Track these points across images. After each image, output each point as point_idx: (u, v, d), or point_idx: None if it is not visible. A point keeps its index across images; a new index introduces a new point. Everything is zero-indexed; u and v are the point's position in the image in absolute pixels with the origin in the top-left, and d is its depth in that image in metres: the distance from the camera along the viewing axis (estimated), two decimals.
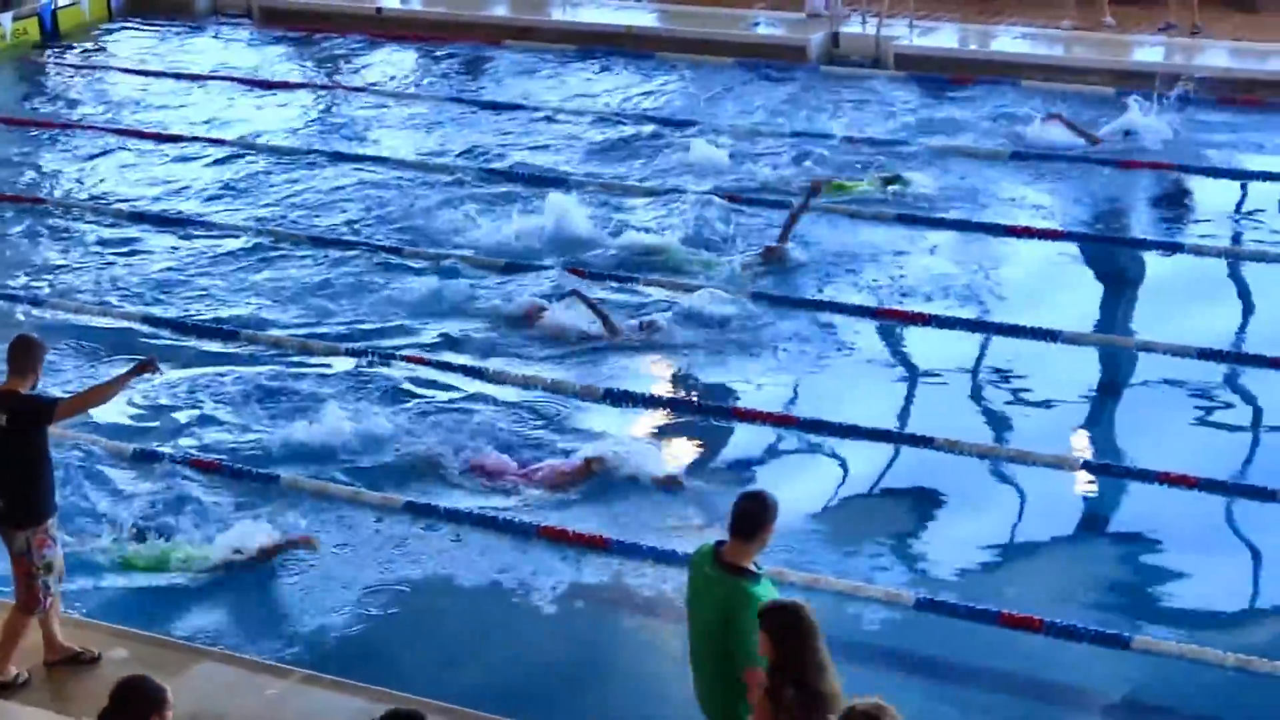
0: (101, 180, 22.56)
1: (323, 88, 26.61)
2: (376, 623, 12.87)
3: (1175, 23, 26.34)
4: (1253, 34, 26.24)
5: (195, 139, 24.02)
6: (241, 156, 23.38)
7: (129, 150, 23.78)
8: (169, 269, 19.54)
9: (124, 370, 11.95)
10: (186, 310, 18.33)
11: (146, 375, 11.88)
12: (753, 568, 9.06)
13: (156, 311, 18.28)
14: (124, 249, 20.22)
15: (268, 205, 21.48)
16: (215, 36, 29.79)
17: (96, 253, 20.09)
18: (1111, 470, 14.82)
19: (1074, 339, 17.17)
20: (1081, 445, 15.44)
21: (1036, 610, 12.51)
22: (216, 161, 23.21)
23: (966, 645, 12.49)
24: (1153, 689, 12.06)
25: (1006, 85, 25.06)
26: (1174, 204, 21.18)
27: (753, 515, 9.07)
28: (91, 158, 23.47)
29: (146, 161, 23.35)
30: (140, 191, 22.10)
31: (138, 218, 21.10)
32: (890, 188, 20.87)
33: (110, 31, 30.09)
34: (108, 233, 20.73)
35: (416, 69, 27.64)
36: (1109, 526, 14.33)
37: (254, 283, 19.05)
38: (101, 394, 11.80)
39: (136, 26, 30.40)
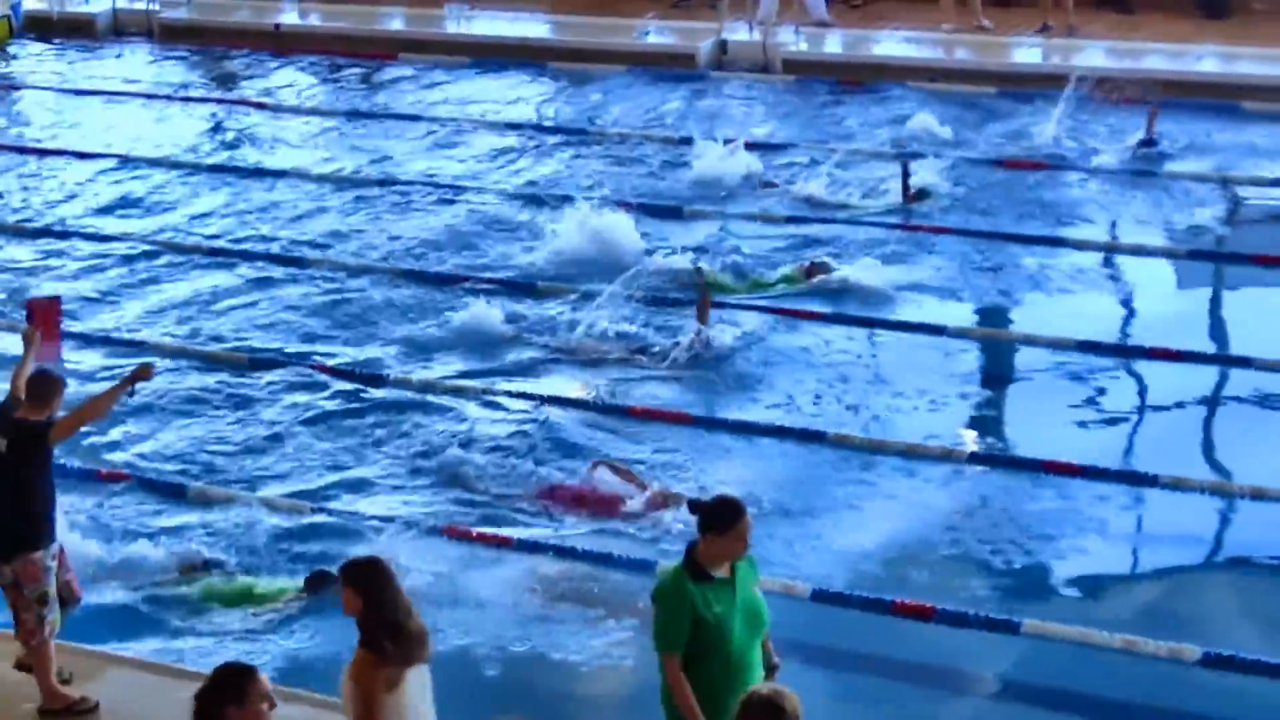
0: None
1: (222, 102, 26.61)
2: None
3: (1051, 24, 26.83)
4: (1128, 33, 26.80)
5: (96, 155, 23.91)
6: (140, 169, 23.34)
7: (30, 166, 23.69)
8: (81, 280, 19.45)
9: (119, 381, 11.44)
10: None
11: (142, 382, 11.34)
12: (714, 569, 8.89)
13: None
14: (29, 263, 20.12)
15: (164, 217, 21.48)
16: (117, 56, 29.67)
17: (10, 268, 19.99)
18: (999, 460, 15.03)
19: (960, 333, 17.50)
20: (970, 437, 15.66)
21: (931, 598, 12.70)
22: (116, 176, 23.11)
23: (861, 635, 12.68)
24: (1044, 671, 12.24)
25: (894, 88, 25.48)
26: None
27: (702, 516, 8.96)
28: None
29: (44, 177, 23.27)
30: (38, 206, 22.05)
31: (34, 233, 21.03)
32: (919, 201, 20.81)
33: (10, 49, 30.01)
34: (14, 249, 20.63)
35: (316, 83, 27.66)
36: (1002, 515, 14.41)
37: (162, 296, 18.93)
38: (97, 408, 11.34)
39: (38, 44, 30.34)
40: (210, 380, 16.75)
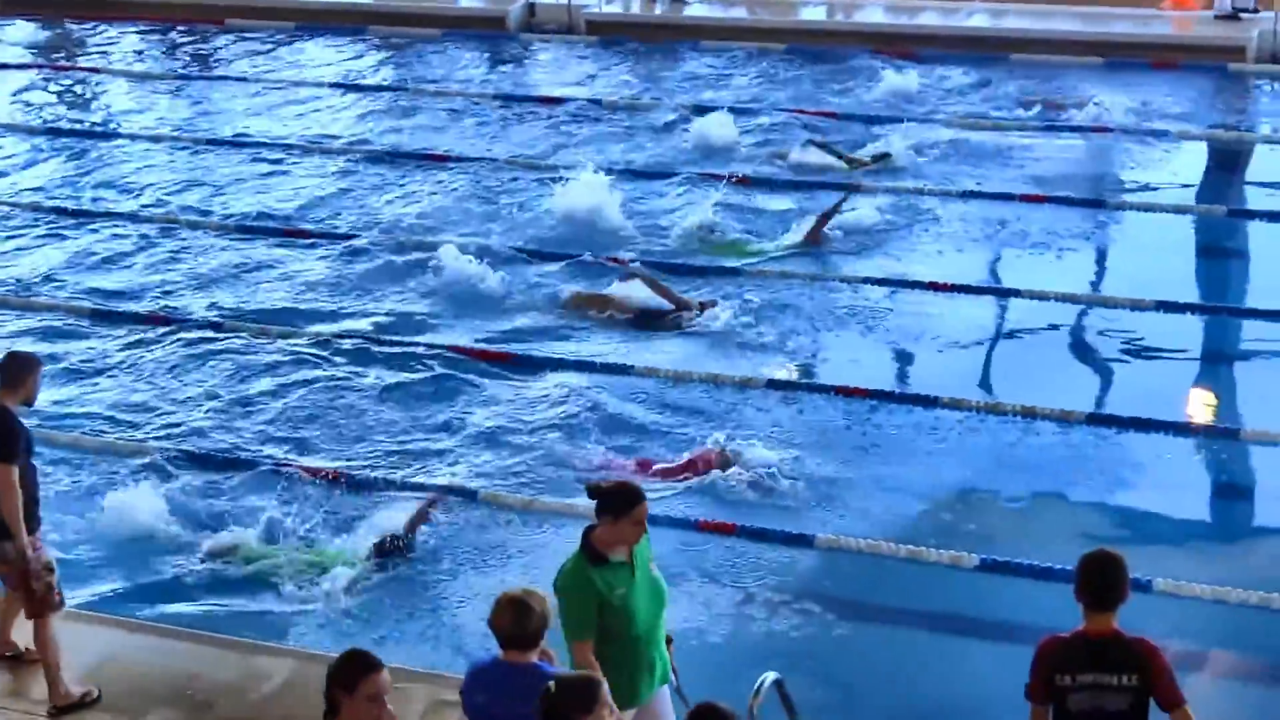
0: None
1: (56, 69, 27.40)
2: None
3: None
4: None
5: None
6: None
7: None
8: None
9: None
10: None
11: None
12: (612, 552, 8.92)
13: None
14: None
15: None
16: None
17: None
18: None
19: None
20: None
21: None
22: None
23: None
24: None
25: (689, 47, 26.74)
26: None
27: (598, 500, 8.97)
28: None
29: None
30: None
31: None
32: (878, 164, 20.97)
33: None
34: None
35: (146, 47, 28.41)
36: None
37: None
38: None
39: None
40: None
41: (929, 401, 15.29)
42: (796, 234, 18.96)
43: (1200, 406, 15.78)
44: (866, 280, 17.90)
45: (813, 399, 15.56)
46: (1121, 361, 16.49)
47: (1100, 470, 14.20)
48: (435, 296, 18.02)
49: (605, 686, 7.42)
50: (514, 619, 8.05)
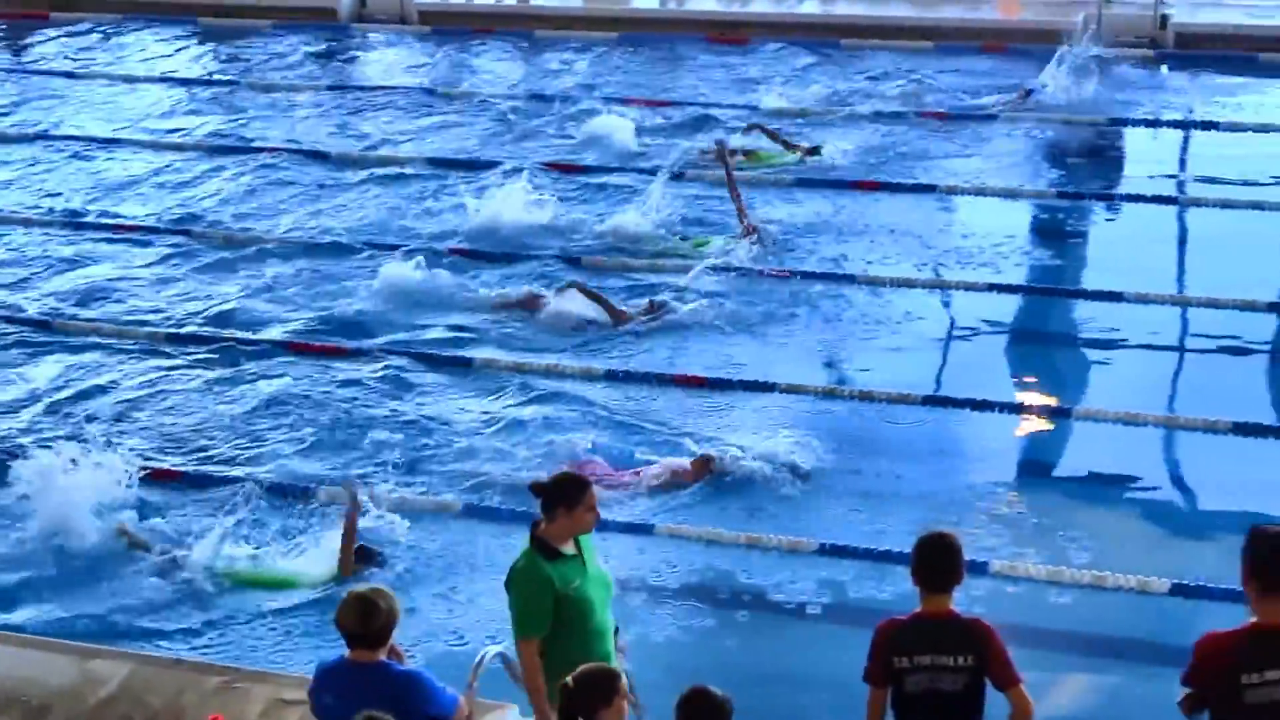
0: None
1: None
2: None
3: None
4: None
5: None
6: None
7: None
8: None
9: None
10: None
11: None
12: (562, 545, 8.89)
13: None
14: None
15: None
16: None
17: None
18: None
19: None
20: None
21: None
22: None
23: None
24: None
25: (521, 36, 26.80)
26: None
27: (545, 495, 8.93)
28: None
29: None
30: None
31: None
32: (811, 158, 20.74)
33: None
34: None
35: None
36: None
37: None
38: None
39: None
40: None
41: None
42: (730, 235, 18.50)
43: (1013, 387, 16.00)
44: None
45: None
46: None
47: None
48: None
49: (624, 678, 7.46)
50: (358, 617, 7.96)
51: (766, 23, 26.58)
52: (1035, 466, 14.47)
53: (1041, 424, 15.08)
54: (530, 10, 27.86)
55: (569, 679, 7.32)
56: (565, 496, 8.87)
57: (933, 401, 15.13)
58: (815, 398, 15.29)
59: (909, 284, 17.57)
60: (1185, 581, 12.01)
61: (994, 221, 19.23)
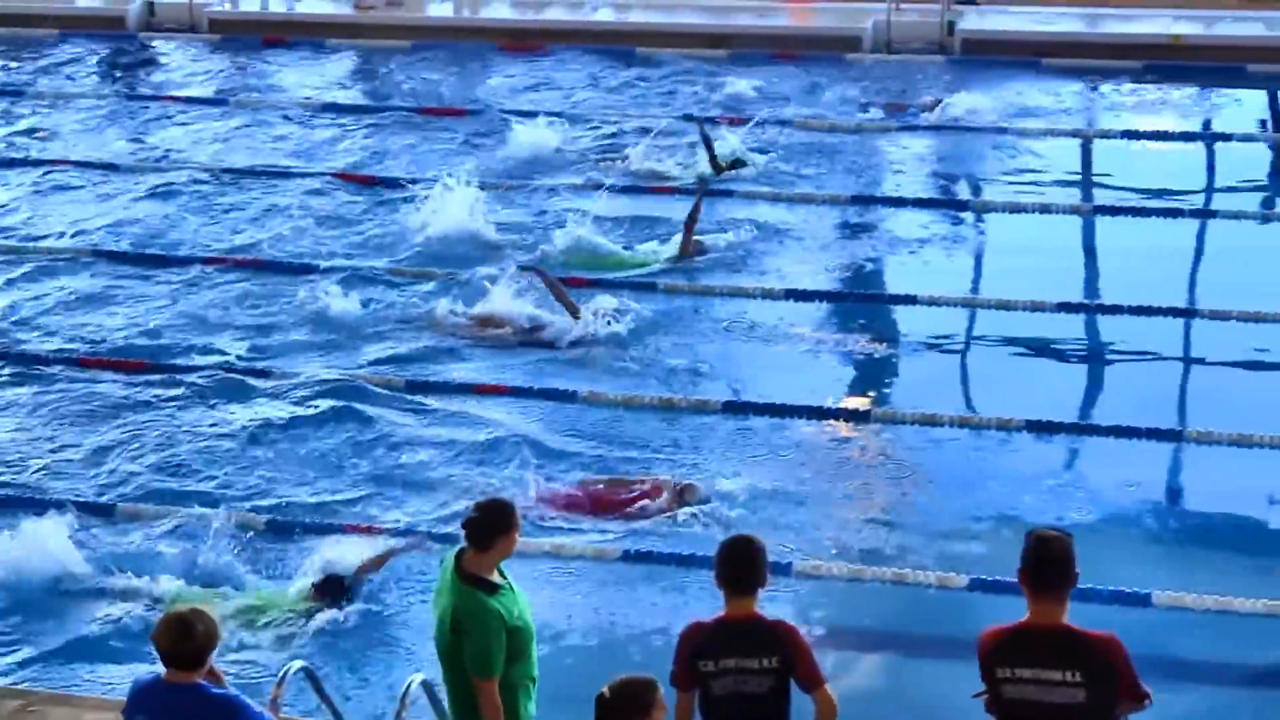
0: None
1: None
2: None
3: None
4: None
5: None
6: None
7: None
8: None
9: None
10: None
11: None
12: (494, 578, 8.66)
13: None
14: None
15: None
16: None
17: None
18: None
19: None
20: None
21: None
22: None
23: None
24: None
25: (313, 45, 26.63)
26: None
27: (482, 525, 8.64)
28: None
29: None
30: None
31: None
32: (734, 171, 20.51)
33: None
34: None
35: None
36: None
37: None
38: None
39: None
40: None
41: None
42: (670, 248, 18.31)
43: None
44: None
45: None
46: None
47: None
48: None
49: (660, 690, 7.49)
50: (173, 638, 7.80)
51: (561, 30, 26.65)
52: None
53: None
54: (324, 19, 27.62)
55: (605, 690, 7.41)
56: (504, 522, 8.62)
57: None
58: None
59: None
60: (984, 577, 12.15)
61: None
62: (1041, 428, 14.69)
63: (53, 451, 14.50)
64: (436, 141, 22.21)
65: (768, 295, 17.51)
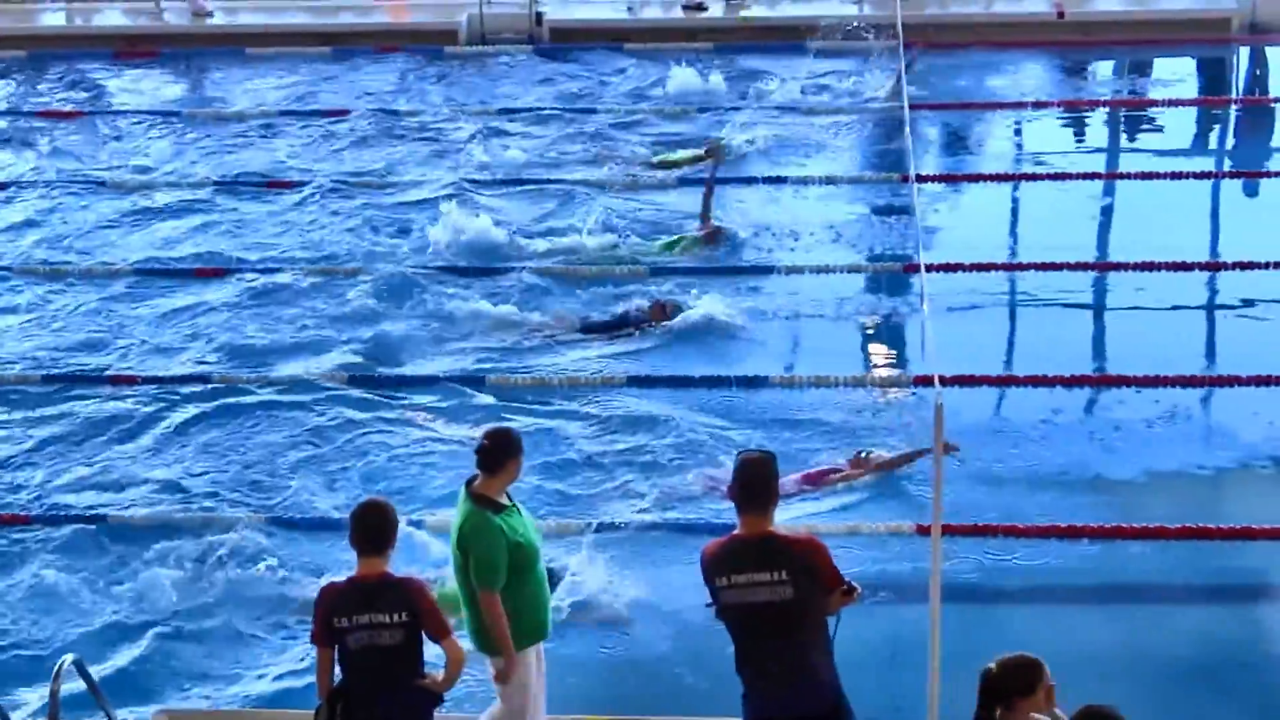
0: None
1: None
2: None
3: None
4: None
5: None
6: None
7: None
8: None
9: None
10: None
11: None
12: (501, 499, 9.33)
13: None
14: None
15: None
16: None
17: None
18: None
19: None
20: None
21: None
22: None
23: None
24: None
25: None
26: None
27: (491, 451, 9.33)
28: None
29: None
30: None
31: None
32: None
33: None
34: None
35: None
36: None
37: None
38: None
39: None
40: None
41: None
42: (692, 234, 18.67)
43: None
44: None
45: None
46: None
47: None
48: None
49: (1047, 670, 7.49)
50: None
51: (177, 35, 27.35)
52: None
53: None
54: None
55: (992, 665, 7.48)
56: (510, 449, 9.38)
57: None
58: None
59: None
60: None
61: None
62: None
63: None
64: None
65: None
